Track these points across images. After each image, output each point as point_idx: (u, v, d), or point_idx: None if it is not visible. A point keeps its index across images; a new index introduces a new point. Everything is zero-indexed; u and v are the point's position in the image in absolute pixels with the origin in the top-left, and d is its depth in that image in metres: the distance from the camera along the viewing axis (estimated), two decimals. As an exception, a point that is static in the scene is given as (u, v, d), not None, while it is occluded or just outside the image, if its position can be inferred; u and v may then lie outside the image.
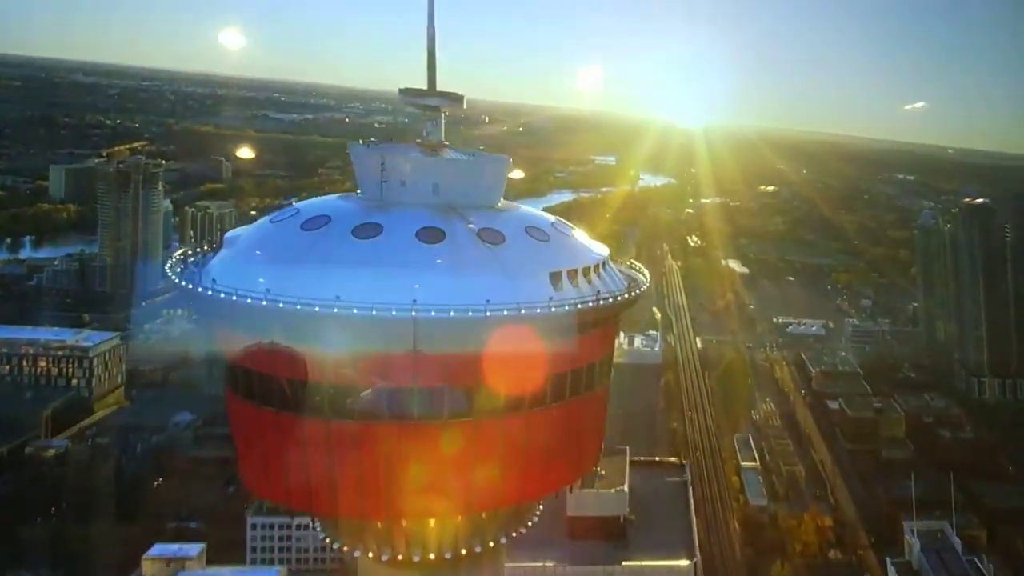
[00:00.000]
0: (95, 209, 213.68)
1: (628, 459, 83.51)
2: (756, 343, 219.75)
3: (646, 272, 36.76)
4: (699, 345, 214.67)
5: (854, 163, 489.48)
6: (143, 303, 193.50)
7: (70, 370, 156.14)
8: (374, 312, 27.26)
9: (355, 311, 27.18)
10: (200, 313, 35.14)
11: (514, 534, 34.53)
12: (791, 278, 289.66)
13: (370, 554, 32.16)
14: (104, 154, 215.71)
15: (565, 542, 71.97)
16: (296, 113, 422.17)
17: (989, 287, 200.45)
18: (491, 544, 32.96)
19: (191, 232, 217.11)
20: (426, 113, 34.78)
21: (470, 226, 31.47)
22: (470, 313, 27.95)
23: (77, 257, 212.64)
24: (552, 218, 35.08)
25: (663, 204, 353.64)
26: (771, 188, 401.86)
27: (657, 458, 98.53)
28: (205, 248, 33.69)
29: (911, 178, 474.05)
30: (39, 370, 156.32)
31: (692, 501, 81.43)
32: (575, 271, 31.69)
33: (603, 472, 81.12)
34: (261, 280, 28.22)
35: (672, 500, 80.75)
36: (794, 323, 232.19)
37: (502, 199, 35.66)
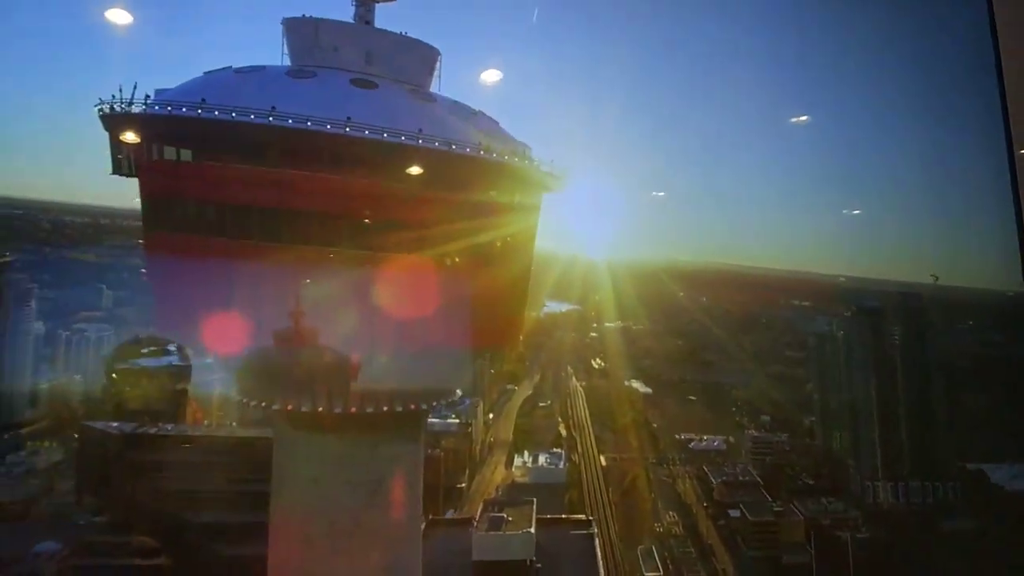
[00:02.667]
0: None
1: (535, 511, 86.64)
2: (659, 459, 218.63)
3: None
4: (603, 463, 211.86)
5: (752, 290, 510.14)
6: (6, 435, 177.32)
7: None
8: (309, 124, 27.27)
9: (290, 122, 27.20)
10: (126, 152, 33.22)
11: (435, 404, 35.12)
12: (693, 397, 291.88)
13: (289, 407, 30.78)
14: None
15: (472, 590, 70.56)
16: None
17: (880, 392, 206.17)
18: (412, 407, 32.51)
19: (64, 357, 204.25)
20: None
21: (401, 85, 32.48)
22: (403, 139, 28.45)
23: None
24: None
25: (568, 328, 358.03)
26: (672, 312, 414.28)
27: (563, 515, 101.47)
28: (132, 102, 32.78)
29: (806, 303, 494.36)
30: None
31: (599, 551, 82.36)
32: (502, 141, 32.82)
33: (510, 518, 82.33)
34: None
35: (579, 550, 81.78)
36: (696, 439, 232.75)
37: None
